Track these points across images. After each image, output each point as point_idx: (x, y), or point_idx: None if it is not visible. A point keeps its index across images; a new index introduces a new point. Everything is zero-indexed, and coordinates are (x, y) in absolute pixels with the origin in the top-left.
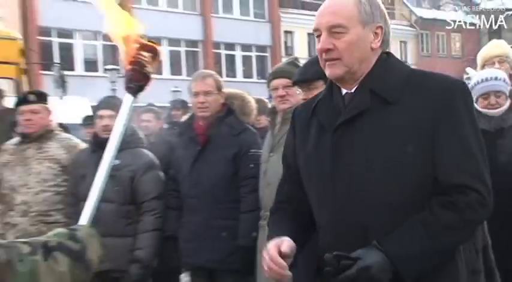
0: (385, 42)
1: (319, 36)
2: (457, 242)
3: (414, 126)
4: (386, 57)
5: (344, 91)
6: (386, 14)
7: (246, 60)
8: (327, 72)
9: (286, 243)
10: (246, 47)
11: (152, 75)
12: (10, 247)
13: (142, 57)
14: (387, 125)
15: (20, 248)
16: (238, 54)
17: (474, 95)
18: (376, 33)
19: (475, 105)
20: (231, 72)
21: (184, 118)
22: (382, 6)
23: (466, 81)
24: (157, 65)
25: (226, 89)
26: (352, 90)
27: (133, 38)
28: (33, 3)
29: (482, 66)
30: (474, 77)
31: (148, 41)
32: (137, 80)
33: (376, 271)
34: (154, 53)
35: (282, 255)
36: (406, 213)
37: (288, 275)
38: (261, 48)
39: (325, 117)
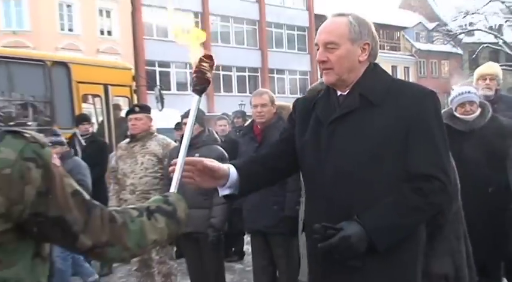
0: (372, 55)
1: (318, 49)
2: (421, 220)
3: (392, 125)
4: (373, 68)
5: (339, 93)
6: (374, 32)
7: (292, 81)
8: (323, 78)
9: (215, 162)
10: (292, 72)
11: (211, 79)
12: (124, 212)
13: (203, 67)
14: (371, 122)
15: (131, 213)
16: (287, 77)
17: (453, 104)
18: (363, 48)
19: (455, 112)
20: (281, 90)
21: (245, 124)
22: (371, 26)
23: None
24: (213, 71)
25: (278, 102)
26: (345, 93)
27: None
28: (142, 44)
29: (477, 80)
30: (453, 91)
31: (206, 54)
32: (201, 84)
33: (354, 240)
34: (211, 63)
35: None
36: (382, 195)
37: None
38: (303, 73)
39: (322, 113)
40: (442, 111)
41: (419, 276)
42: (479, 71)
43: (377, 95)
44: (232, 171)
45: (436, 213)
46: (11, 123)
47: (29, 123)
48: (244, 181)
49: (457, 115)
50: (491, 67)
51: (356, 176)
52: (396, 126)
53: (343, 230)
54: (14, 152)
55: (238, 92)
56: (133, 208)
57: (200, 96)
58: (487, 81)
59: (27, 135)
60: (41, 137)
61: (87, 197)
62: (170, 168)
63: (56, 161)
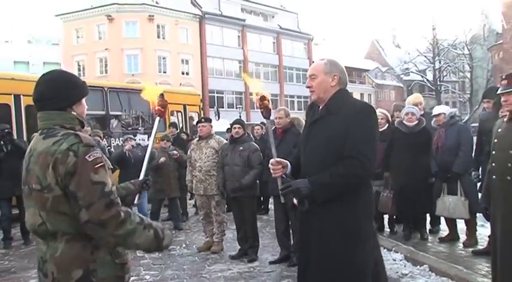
0: (341, 83)
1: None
2: (345, 183)
3: (340, 126)
4: (341, 92)
5: (320, 106)
6: (342, 68)
7: (299, 103)
8: (311, 97)
9: (283, 160)
10: (299, 97)
11: (271, 108)
12: (134, 215)
13: (266, 103)
14: (329, 125)
15: (136, 219)
16: (295, 100)
17: (402, 114)
18: (333, 78)
19: (403, 120)
20: (292, 107)
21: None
22: (339, 65)
23: (400, 111)
24: (270, 103)
25: (292, 115)
26: (322, 106)
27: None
28: (206, 79)
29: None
30: (405, 107)
31: (263, 95)
32: (267, 112)
33: (301, 187)
34: (268, 99)
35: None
36: (328, 167)
37: (281, 171)
38: (305, 97)
39: (310, 118)
40: (397, 119)
41: (359, 221)
42: (410, 99)
43: (335, 108)
44: (289, 166)
45: (356, 181)
46: (129, 128)
47: (140, 128)
48: (293, 170)
49: (404, 121)
50: (418, 97)
51: (318, 155)
52: (342, 126)
53: (296, 183)
54: (67, 144)
55: None
56: (141, 217)
57: (269, 119)
58: (417, 106)
59: (81, 137)
60: (88, 140)
61: (108, 190)
62: (274, 167)
63: (90, 158)
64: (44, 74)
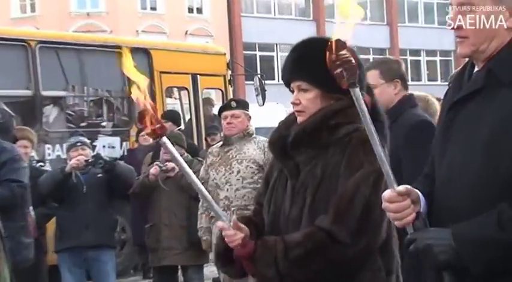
0: None
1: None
2: None
3: None
4: None
5: (476, 69)
6: None
7: (431, 64)
8: (458, 50)
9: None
10: (430, 53)
11: (356, 64)
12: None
13: (345, 56)
14: (494, 107)
15: None
16: (423, 59)
17: None
18: (511, 12)
19: None
20: (416, 76)
21: None
22: None
23: None
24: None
25: (414, 92)
26: (479, 69)
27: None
28: (238, 22)
29: None
30: None
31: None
32: (353, 74)
33: (434, 244)
34: (348, 48)
35: None
36: (495, 200)
37: (412, 211)
38: (444, 53)
39: (447, 97)
40: None
41: None
42: None
43: (508, 70)
44: (422, 198)
45: None
46: (82, 124)
47: (103, 123)
48: (428, 206)
49: None
50: None
51: (470, 173)
52: None
53: (425, 235)
54: None
55: None
56: None
57: (358, 87)
58: None
59: None
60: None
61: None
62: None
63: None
64: None
